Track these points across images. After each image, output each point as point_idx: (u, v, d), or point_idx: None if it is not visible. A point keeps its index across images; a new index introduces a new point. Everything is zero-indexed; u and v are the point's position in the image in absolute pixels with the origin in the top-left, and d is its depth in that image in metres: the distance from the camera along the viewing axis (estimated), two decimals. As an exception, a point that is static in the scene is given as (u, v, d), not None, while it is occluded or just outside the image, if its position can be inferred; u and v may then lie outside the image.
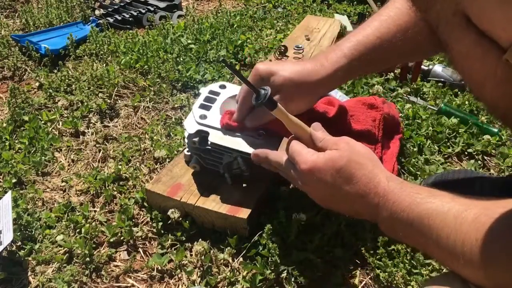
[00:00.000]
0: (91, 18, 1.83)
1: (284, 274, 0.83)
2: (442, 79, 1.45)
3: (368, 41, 0.81)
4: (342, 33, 1.73)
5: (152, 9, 1.92)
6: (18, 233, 0.89)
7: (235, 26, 1.75)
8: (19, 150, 1.12)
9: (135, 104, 1.31)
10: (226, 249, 0.87)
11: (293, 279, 0.83)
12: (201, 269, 0.86)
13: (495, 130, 1.22)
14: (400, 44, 0.80)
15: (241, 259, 0.87)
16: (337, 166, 0.66)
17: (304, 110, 0.86)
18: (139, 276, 0.86)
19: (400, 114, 1.24)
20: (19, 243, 0.89)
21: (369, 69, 0.94)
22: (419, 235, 0.57)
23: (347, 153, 0.67)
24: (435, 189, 0.59)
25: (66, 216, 0.96)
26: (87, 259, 0.86)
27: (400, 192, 0.61)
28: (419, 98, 1.36)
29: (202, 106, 0.94)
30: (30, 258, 0.86)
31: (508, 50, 0.39)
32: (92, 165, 1.10)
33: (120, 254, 0.90)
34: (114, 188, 1.02)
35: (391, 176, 0.65)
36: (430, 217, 0.55)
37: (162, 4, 1.97)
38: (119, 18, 1.84)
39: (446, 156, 1.17)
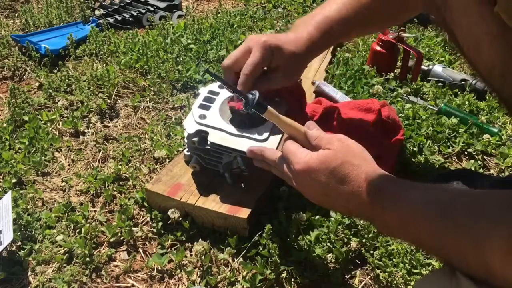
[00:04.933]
0: (91, 18, 1.83)
1: (284, 274, 0.83)
2: (442, 79, 1.45)
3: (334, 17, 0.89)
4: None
5: (152, 9, 1.92)
6: (18, 233, 0.89)
7: (235, 26, 1.75)
8: (19, 150, 1.12)
9: (135, 104, 1.31)
10: (226, 249, 0.87)
11: (293, 279, 0.83)
12: (201, 269, 0.86)
13: (495, 130, 1.22)
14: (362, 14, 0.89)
15: (241, 259, 0.87)
16: (330, 166, 0.66)
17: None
18: (139, 276, 0.86)
19: (400, 114, 1.24)
20: (19, 243, 0.89)
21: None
22: (411, 227, 0.57)
23: (341, 154, 0.67)
24: (428, 184, 0.60)
25: (66, 216, 0.96)
26: (87, 259, 0.86)
27: (393, 188, 0.61)
28: (419, 98, 1.36)
29: (202, 106, 0.94)
30: (30, 258, 0.86)
31: (498, 2, 0.39)
32: (92, 165, 1.10)
33: (120, 254, 0.90)
34: (114, 188, 1.02)
35: (384, 174, 0.65)
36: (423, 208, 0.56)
37: (162, 4, 1.97)
38: (119, 18, 1.84)
39: (446, 156, 1.17)
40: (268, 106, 0.74)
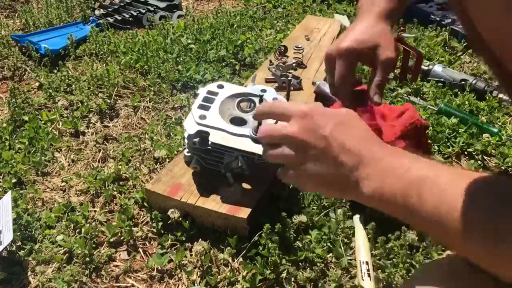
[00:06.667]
0: (91, 18, 1.83)
1: (284, 274, 0.83)
2: (442, 79, 1.45)
3: None
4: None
5: (152, 9, 1.92)
6: (18, 233, 0.89)
7: (235, 26, 1.75)
8: (19, 150, 1.12)
9: (135, 104, 1.31)
10: (226, 249, 0.87)
11: (293, 279, 0.83)
12: (201, 269, 0.86)
13: (495, 130, 1.22)
14: None
15: (241, 259, 0.87)
16: (338, 119, 0.61)
17: None
18: (139, 276, 0.86)
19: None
20: (19, 243, 0.89)
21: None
22: (406, 200, 0.55)
23: (349, 116, 0.62)
24: (432, 161, 0.57)
25: (66, 216, 0.96)
26: (87, 259, 0.86)
27: (392, 158, 0.58)
28: (419, 98, 1.36)
29: (201, 107, 0.94)
30: (30, 258, 0.86)
31: None
32: (92, 165, 1.10)
33: (120, 254, 0.90)
34: (114, 188, 1.02)
35: (388, 145, 0.62)
36: (420, 184, 0.54)
37: (162, 4, 1.97)
38: (119, 18, 1.84)
39: (446, 156, 1.17)
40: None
